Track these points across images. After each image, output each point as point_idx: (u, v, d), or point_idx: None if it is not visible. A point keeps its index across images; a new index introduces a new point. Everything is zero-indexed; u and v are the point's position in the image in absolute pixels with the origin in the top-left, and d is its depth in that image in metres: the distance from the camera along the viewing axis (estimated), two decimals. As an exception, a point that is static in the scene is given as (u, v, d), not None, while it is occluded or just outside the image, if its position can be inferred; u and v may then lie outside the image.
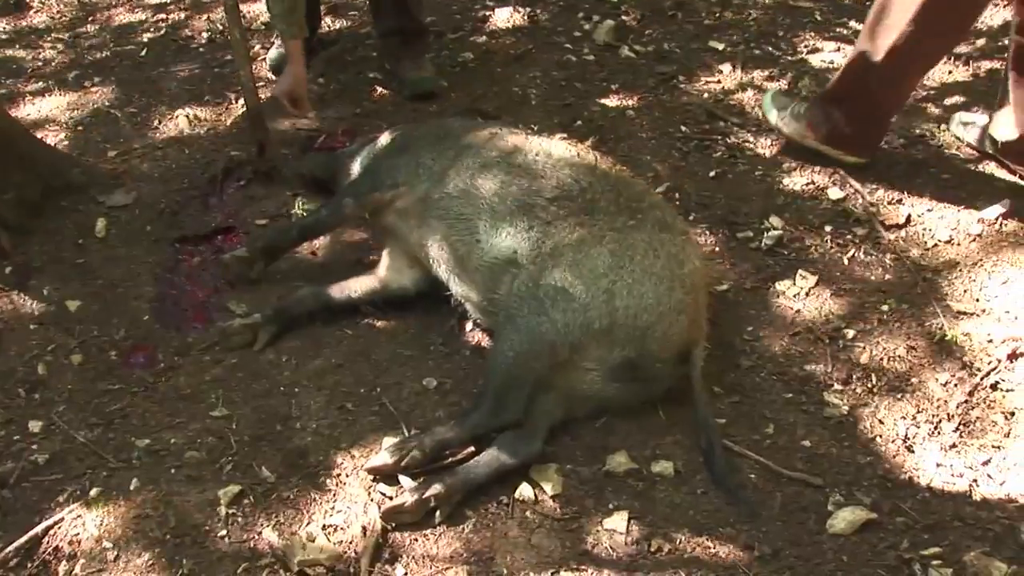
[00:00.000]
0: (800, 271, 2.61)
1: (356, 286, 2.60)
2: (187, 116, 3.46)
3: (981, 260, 2.63)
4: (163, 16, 4.33)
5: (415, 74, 3.50)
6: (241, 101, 3.26)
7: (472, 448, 2.16)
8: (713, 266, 2.62)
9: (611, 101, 3.38)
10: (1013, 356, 2.34)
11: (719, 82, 3.47)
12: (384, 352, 2.47)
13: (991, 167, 2.96)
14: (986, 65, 3.55)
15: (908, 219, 2.76)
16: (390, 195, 2.54)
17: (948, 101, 3.34)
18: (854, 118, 2.92)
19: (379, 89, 3.58)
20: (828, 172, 2.96)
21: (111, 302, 2.68)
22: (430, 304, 2.55)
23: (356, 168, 2.76)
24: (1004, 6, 3.74)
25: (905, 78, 2.85)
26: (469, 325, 2.52)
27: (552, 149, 2.46)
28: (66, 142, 3.39)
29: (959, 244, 2.69)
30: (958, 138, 3.15)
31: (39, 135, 3.35)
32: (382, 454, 2.13)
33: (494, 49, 3.76)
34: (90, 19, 4.42)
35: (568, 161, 2.41)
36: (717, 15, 3.93)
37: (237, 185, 3.06)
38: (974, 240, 2.69)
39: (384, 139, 2.78)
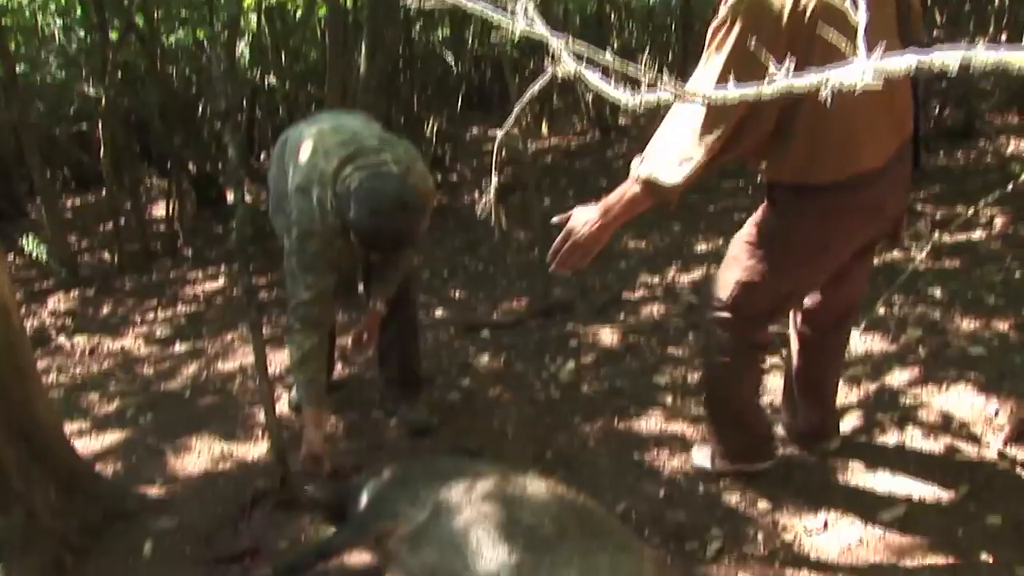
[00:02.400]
0: (740, 575, 2.62)
1: (365, 604, 2.61)
2: (221, 450, 3.54)
3: (890, 560, 2.64)
4: (207, 362, 4.51)
5: (412, 415, 3.60)
6: (266, 438, 3.36)
7: None
8: None
9: (575, 433, 3.46)
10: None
11: (663, 413, 3.56)
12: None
13: (889, 474, 3.03)
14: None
15: (825, 524, 2.80)
16: (391, 524, 2.60)
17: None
18: (735, 437, 2.99)
19: (382, 427, 3.67)
20: (756, 486, 3.00)
21: (154, 619, 2.66)
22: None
23: (363, 499, 2.81)
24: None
25: (742, 387, 2.89)
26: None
27: (527, 484, 2.53)
28: (120, 471, 3.45)
29: (869, 546, 2.71)
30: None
31: (98, 464, 3.42)
32: None
33: (476, 390, 3.89)
34: (145, 364, 4.60)
35: (540, 496, 2.48)
36: (659, 354, 4.08)
37: (263, 512, 3.09)
38: (880, 540, 2.72)
39: (386, 473, 2.85)
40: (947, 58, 0.70)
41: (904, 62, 0.73)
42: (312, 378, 3.16)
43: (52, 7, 7.67)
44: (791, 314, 2.98)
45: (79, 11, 7.30)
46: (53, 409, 3.13)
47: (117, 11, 6.63)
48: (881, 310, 4.17)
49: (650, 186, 2.36)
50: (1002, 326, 3.92)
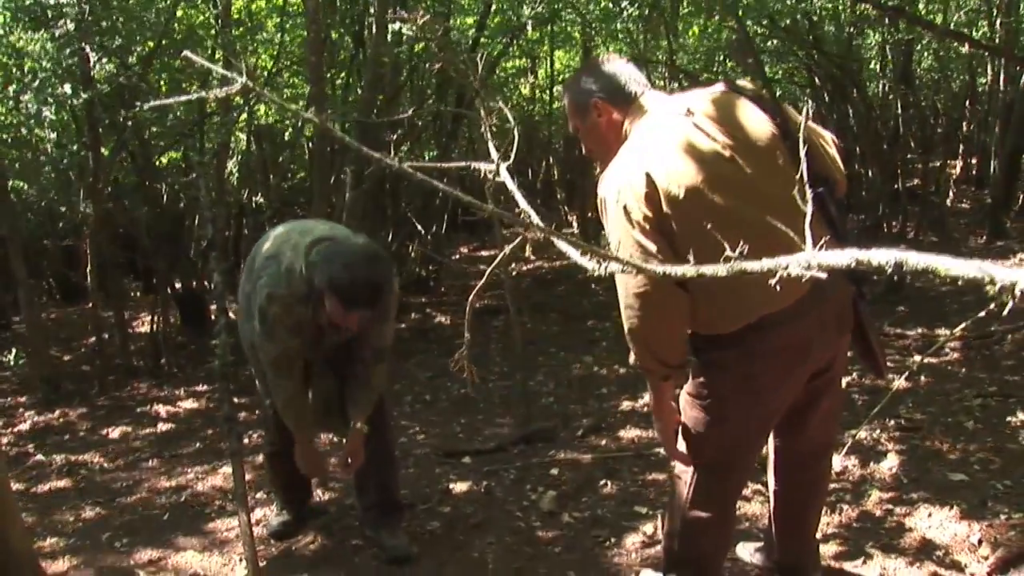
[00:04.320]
0: None
1: None
2: (200, 574, 3.50)
3: None
4: (185, 484, 4.48)
5: (392, 542, 3.56)
6: (243, 564, 3.33)
7: None
8: None
9: (555, 565, 3.42)
10: None
11: (642, 544, 3.54)
12: None
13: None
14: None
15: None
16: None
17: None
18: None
19: (361, 555, 3.62)
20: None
21: None
22: None
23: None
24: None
25: (706, 538, 2.85)
26: None
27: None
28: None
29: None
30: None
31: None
32: None
33: (457, 518, 3.86)
34: (122, 485, 4.56)
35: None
36: (640, 480, 4.08)
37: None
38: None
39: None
40: (882, 257, 0.76)
41: (844, 258, 0.79)
42: (298, 417, 3.35)
43: (46, 121, 7.84)
44: (769, 450, 3.00)
45: (74, 127, 7.45)
46: (25, 533, 3.10)
47: (109, 129, 6.78)
48: (862, 434, 4.20)
49: (645, 371, 2.62)
50: (982, 451, 3.95)
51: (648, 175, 2.39)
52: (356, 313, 3.04)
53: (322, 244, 3.13)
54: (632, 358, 2.60)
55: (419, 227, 7.67)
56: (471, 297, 1.41)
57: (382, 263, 3.11)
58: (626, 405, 5.11)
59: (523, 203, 1.14)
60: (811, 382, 2.66)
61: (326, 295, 3.03)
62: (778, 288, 2.39)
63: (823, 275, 0.83)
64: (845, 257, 0.78)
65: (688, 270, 0.95)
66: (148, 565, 3.61)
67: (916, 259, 0.73)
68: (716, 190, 2.40)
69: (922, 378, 4.85)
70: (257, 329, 3.20)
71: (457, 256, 8.84)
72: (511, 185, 1.17)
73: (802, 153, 1.06)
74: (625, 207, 2.42)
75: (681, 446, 2.75)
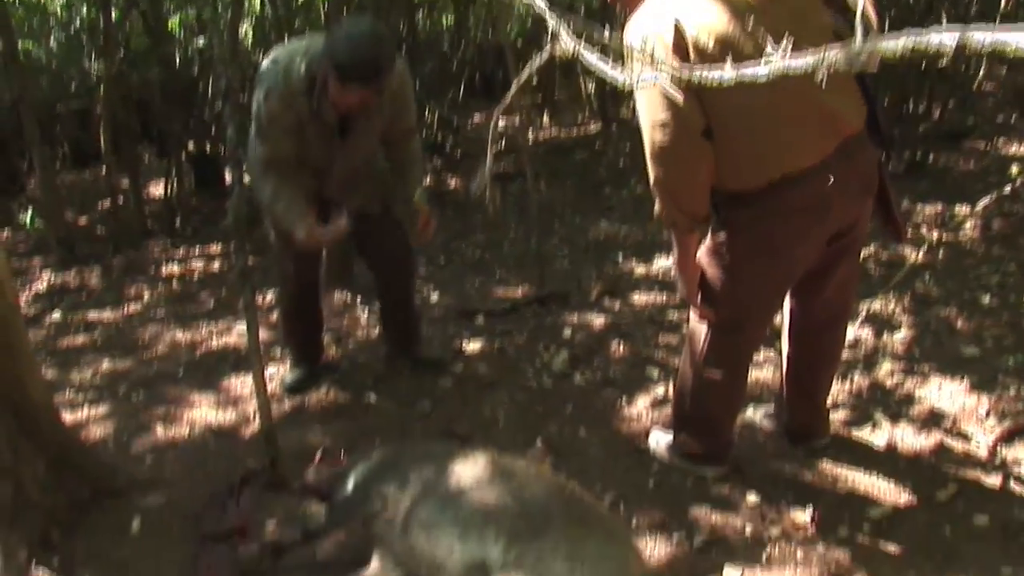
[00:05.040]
0: (727, 568, 2.62)
1: (350, 586, 2.61)
2: (212, 429, 3.54)
3: (876, 558, 2.64)
4: (199, 340, 4.50)
5: (425, 353, 3.78)
6: (257, 418, 3.36)
7: None
8: (653, 566, 2.62)
9: (566, 423, 3.46)
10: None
11: (654, 405, 3.56)
12: (373, 647, 2.44)
13: (878, 472, 3.02)
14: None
15: (813, 519, 2.79)
16: (379, 507, 2.59)
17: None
18: (695, 439, 3.00)
19: (373, 410, 3.66)
20: (745, 479, 3.00)
21: (141, 594, 2.65)
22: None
23: (352, 483, 2.80)
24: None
25: (716, 399, 2.90)
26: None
27: (516, 470, 2.54)
28: (111, 447, 3.44)
29: (854, 539, 2.72)
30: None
31: (90, 440, 3.42)
32: None
33: (469, 376, 3.88)
34: (139, 342, 4.59)
35: (529, 481, 2.48)
36: (653, 344, 4.08)
37: (252, 492, 3.08)
38: (867, 538, 2.72)
39: (376, 458, 2.85)
40: (944, 38, 0.69)
41: (899, 42, 0.72)
42: (291, 201, 3.17)
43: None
44: (785, 314, 2.98)
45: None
46: (44, 385, 3.12)
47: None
48: (876, 306, 4.16)
49: (668, 224, 2.58)
50: (996, 327, 3.92)
51: (677, 24, 2.31)
52: (354, 89, 2.97)
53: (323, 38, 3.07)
54: (657, 211, 2.56)
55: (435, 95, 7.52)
56: (495, 114, 1.34)
57: (384, 43, 2.97)
58: (640, 271, 5.07)
59: (551, 20, 1.06)
60: (830, 245, 2.62)
61: (328, 73, 2.97)
62: (803, 146, 2.41)
63: (870, 68, 0.76)
64: (902, 41, 0.71)
65: (727, 75, 0.88)
66: (164, 419, 3.64)
67: (981, 37, 0.66)
68: (747, 41, 2.30)
69: (940, 253, 4.79)
70: (253, 129, 3.15)
71: (472, 123, 8.68)
72: (540, 2, 1.09)
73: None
74: (652, 56, 2.34)
75: (695, 301, 2.76)
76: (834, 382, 3.20)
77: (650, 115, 2.38)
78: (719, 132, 2.40)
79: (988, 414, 3.29)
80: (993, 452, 3.09)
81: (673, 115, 2.34)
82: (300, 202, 3.19)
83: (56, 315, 5.22)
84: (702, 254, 2.68)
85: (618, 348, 4.07)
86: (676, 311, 4.38)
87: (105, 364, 4.34)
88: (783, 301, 2.87)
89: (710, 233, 2.66)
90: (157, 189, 7.56)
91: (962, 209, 5.39)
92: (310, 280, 3.70)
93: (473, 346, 4.17)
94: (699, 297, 2.73)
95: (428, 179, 7.35)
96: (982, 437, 3.17)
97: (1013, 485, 2.91)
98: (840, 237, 2.62)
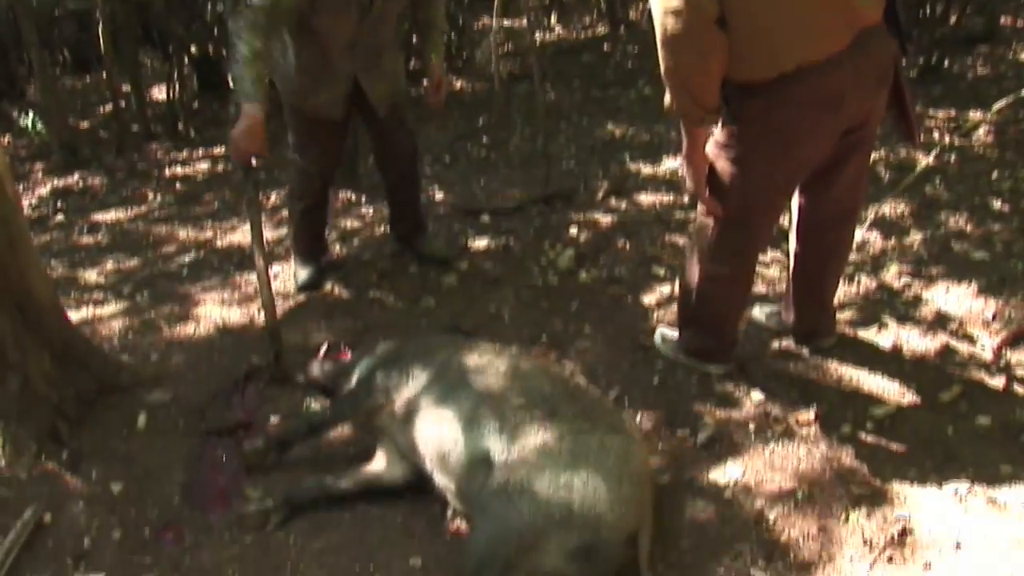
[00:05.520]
0: (729, 463, 2.63)
1: (354, 476, 2.62)
2: (216, 326, 3.53)
3: (878, 456, 2.65)
4: (204, 240, 4.47)
5: (431, 247, 3.78)
6: (261, 315, 3.34)
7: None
8: (656, 461, 2.63)
9: (571, 319, 3.44)
10: (904, 533, 2.36)
11: (660, 303, 3.53)
12: (376, 535, 2.46)
13: (883, 372, 3.01)
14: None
15: (816, 417, 2.79)
16: (383, 400, 2.59)
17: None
18: (700, 336, 2.98)
19: (377, 306, 3.64)
20: (750, 378, 2.99)
21: (148, 486, 2.68)
22: (416, 493, 2.55)
23: (355, 376, 2.80)
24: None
25: (721, 295, 2.88)
26: (450, 512, 2.51)
27: (520, 363, 2.52)
28: (117, 345, 3.45)
29: (857, 436, 2.72)
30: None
31: (96, 338, 3.41)
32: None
33: (473, 273, 3.85)
34: (144, 242, 4.56)
35: (533, 374, 2.47)
36: (659, 243, 4.03)
37: (256, 388, 3.10)
38: (870, 436, 2.72)
39: (379, 351, 2.84)
40: None
41: None
42: (259, 76, 2.97)
43: None
44: (793, 212, 2.94)
45: None
46: (48, 281, 3.10)
47: None
48: (886, 210, 4.11)
49: (678, 115, 2.53)
50: (1006, 232, 3.86)
51: None
52: None
53: None
54: (667, 102, 2.51)
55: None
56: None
57: None
58: (647, 171, 4.99)
59: None
60: (842, 140, 2.57)
61: None
62: (818, 37, 2.33)
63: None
64: None
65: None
66: (169, 317, 3.64)
67: None
68: None
69: (952, 158, 4.70)
70: None
71: (481, 24, 8.47)
72: None
73: None
74: None
75: (704, 195, 2.71)
76: (841, 283, 3.17)
77: (663, 2, 2.31)
78: (733, 21, 2.33)
79: (994, 317, 3.26)
80: (998, 355, 3.07)
81: (687, 2, 2.27)
82: (262, 82, 3.00)
83: (60, 217, 5.18)
84: (711, 147, 2.63)
85: (624, 247, 4.03)
86: (683, 211, 4.32)
87: (110, 264, 4.32)
88: (791, 197, 2.83)
89: (720, 125, 2.60)
90: (159, 93, 7.43)
91: (975, 114, 5.28)
92: (328, 176, 3.71)
93: (478, 244, 4.14)
94: (707, 191, 2.68)
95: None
96: (987, 340, 3.14)
97: (1016, 387, 2.90)
98: (852, 132, 2.57)
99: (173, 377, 3.19)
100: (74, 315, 3.57)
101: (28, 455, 2.74)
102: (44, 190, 5.78)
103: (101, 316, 3.71)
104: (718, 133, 2.61)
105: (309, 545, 2.44)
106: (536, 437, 2.26)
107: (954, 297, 3.41)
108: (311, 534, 2.48)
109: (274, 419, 2.96)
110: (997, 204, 4.14)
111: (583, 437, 2.26)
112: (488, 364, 2.49)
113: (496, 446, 2.28)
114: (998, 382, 2.93)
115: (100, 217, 5.10)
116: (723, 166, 2.61)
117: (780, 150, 2.52)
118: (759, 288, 3.47)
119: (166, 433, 2.91)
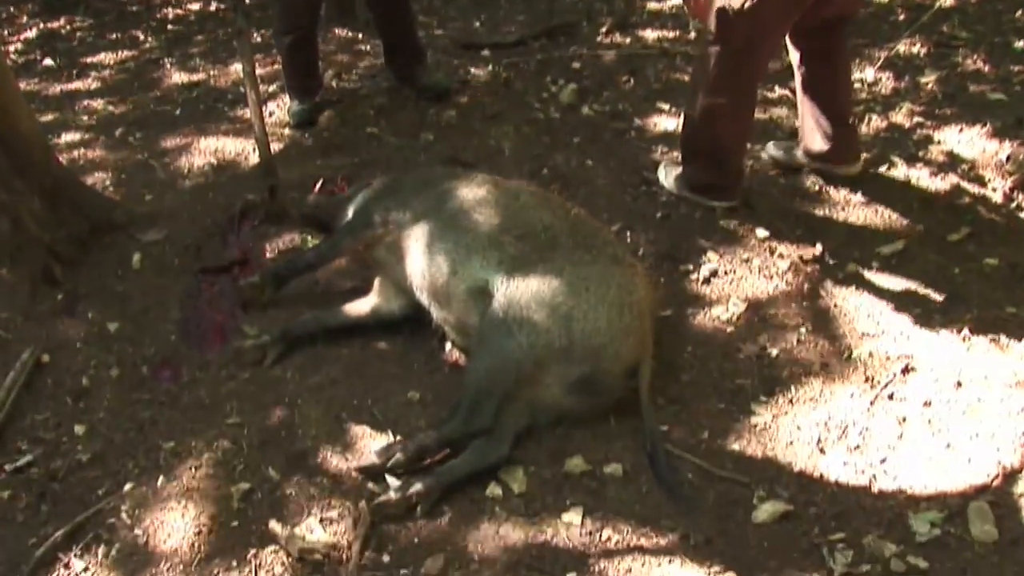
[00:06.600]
0: (732, 298, 2.59)
1: (351, 311, 2.58)
2: (211, 165, 3.44)
3: (883, 293, 2.61)
4: (197, 80, 4.33)
5: (428, 80, 3.66)
6: (256, 152, 3.24)
7: (449, 452, 2.12)
8: (658, 294, 2.58)
9: (573, 153, 3.35)
10: (906, 371, 2.34)
11: (664, 138, 3.43)
12: (374, 369, 2.44)
13: (891, 210, 2.94)
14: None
15: (822, 254, 2.74)
16: (380, 232, 2.51)
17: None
18: (705, 170, 2.90)
19: (375, 142, 3.54)
20: (755, 214, 2.92)
21: (144, 324, 2.66)
22: (414, 327, 2.52)
23: (352, 210, 2.72)
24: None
25: (725, 127, 2.81)
26: (448, 345, 2.48)
27: (520, 194, 2.44)
28: (110, 186, 3.37)
29: (862, 274, 2.68)
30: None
31: (88, 180, 3.33)
32: (371, 456, 2.11)
33: (473, 108, 3.73)
34: (135, 84, 4.42)
35: (534, 204, 2.39)
36: (664, 79, 3.90)
37: (252, 224, 3.02)
38: (876, 273, 2.68)
39: (377, 184, 2.75)
40: None
41: None
42: None
43: None
44: (790, 44, 2.87)
45: None
46: (33, 118, 3.00)
47: None
48: (900, 48, 3.94)
49: None
50: (1026, 73, 3.72)
51: None
52: None
53: None
54: None
55: None
56: None
57: None
58: (652, 5, 4.80)
59: None
60: None
61: None
62: None
63: None
64: None
65: None
66: (162, 156, 3.54)
67: None
68: None
69: (972, -3, 4.49)
70: None
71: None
72: None
73: None
74: None
75: (711, 22, 2.62)
76: (851, 120, 3.08)
77: None
78: None
79: (1008, 159, 3.16)
80: (1009, 197, 3.00)
81: None
82: None
83: (48, 61, 5.00)
84: None
85: (628, 82, 3.89)
86: (687, 47, 4.16)
87: (101, 106, 4.18)
88: (794, 20, 2.72)
89: None
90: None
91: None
92: (313, 6, 3.59)
93: (478, 78, 4.00)
94: (714, 17, 2.56)
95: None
96: (999, 182, 3.06)
97: (1027, 229, 2.84)
98: None
99: (167, 216, 3.11)
100: (65, 159, 3.47)
101: (22, 297, 2.71)
102: (30, 34, 5.57)
103: (93, 158, 3.61)
104: None
105: (306, 380, 2.42)
106: (536, 268, 2.20)
107: (967, 138, 3.31)
108: (309, 369, 2.46)
109: (270, 256, 2.90)
110: (1019, 44, 3.97)
111: (584, 268, 2.20)
112: (488, 194, 2.41)
113: (495, 277, 2.22)
114: (1007, 224, 2.86)
115: (88, 59, 4.91)
116: None
117: None
118: (768, 126, 3.38)
119: (161, 272, 2.86)
